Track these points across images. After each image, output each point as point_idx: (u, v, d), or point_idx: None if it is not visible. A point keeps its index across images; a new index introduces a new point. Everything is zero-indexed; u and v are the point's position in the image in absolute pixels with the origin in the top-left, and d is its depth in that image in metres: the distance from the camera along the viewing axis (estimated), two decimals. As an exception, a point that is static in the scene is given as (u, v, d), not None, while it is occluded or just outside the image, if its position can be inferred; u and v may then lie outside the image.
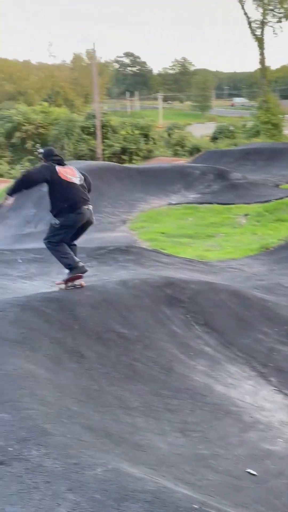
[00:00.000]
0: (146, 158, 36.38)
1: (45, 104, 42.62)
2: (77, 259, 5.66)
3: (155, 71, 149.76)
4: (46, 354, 3.93)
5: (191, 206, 15.74)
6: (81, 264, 5.60)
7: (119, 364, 4.47)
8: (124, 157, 36.59)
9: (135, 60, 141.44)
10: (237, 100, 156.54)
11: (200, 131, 57.89)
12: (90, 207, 5.83)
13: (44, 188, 5.93)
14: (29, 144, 38.05)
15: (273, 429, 4.24)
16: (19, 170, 32.00)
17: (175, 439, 3.78)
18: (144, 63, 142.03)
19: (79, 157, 35.00)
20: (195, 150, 37.85)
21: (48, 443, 2.63)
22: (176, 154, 37.94)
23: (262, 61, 47.17)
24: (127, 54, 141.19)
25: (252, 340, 5.85)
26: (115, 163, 25.95)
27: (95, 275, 7.56)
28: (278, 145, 28.14)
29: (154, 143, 38.37)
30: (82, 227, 5.85)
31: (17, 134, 37.59)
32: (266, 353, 5.67)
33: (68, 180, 5.78)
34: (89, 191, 6.02)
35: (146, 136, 37.74)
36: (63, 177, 5.75)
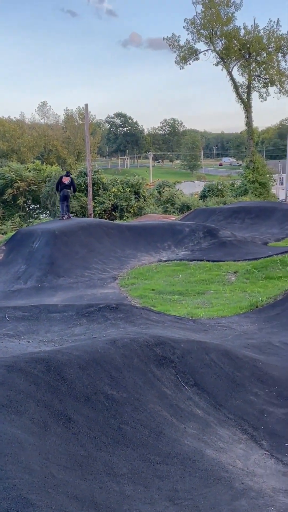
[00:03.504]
0: (136, 215, 36.90)
1: (38, 162, 43.48)
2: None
3: (146, 131, 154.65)
4: (31, 418, 3.83)
5: (181, 263, 15.84)
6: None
7: (107, 427, 4.36)
8: (115, 213, 37.09)
9: (126, 120, 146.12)
10: (225, 159, 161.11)
11: (189, 189, 59.10)
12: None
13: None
14: (20, 201, 38.53)
15: (264, 496, 4.09)
16: (10, 226, 32.25)
17: (164, 509, 3.64)
18: (135, 123, 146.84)
19: (70, 214, 35.43)
20: (184, 207, 38.58)
21: (32, 516, 2.52)
22: (166, 211, 38.55)
23: (248, 123, 48.94)
24: (119, 115, 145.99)
25: (242, 402, 5.75)
26: (106, 220, 26.27)
27: (85, 334, 7.50)
28: (265, 203, 28.75)
29: (145, 200, 39.02)
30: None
31: (9, 190, 38.11)
32: (257, 415, 5.57)
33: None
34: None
35: (136, 193, 38.44)
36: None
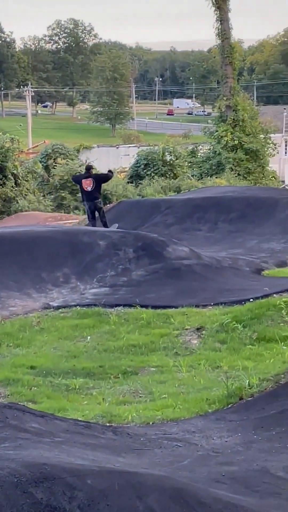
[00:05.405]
0: (1, 213, 36.80)
1: None
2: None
3: (19, 44, 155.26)
4: None
5: (92, 312, 15.97)
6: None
7: None
8: None
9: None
10: (178, 103, 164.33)
11: (108, 162, 59.77)
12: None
13: None
14: None
15: None
16: None
17: None
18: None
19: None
20: (98, 198, 38.81)
21: None
22: (60, 207, 38.66)
23: (223, 31, 49.71)
24: None
25: None
26: None
27: None
28: (258, 192, 29.38)
29: (17, 185, 39.03)
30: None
31: None
32: None
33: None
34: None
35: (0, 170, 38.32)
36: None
